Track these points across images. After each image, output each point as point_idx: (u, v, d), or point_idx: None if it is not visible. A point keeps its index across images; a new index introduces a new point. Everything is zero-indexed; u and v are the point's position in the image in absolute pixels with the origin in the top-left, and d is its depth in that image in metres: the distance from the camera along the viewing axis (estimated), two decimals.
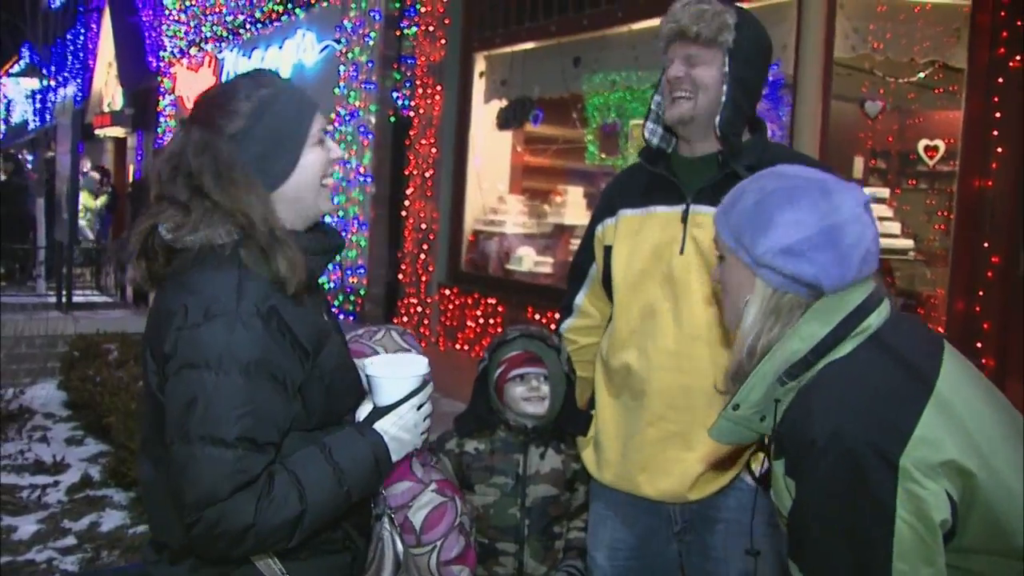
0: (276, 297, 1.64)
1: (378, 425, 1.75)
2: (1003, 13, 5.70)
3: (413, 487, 2.24)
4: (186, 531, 1.57)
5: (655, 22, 7.08)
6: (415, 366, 1.84)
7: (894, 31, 6.07)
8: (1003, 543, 1.50)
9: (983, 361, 5.70)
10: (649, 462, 2.31)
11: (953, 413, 1.49)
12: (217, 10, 16.21)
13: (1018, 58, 5.64)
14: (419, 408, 1.81)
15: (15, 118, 39.03)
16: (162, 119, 19.55)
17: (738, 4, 2.36)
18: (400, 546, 1.93)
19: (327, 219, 1.89)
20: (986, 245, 5.80)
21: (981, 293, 5.79)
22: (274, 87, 1.73)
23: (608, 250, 2.47)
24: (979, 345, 5.64)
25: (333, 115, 11.36)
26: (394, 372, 1.81)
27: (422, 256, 9.61)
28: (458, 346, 9.03)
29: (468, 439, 2.61)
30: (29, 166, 16.82)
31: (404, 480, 2.24)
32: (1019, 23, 5.62)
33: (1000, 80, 5.75)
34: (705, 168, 2.29)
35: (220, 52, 16.20)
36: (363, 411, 1.80)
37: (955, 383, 1.56)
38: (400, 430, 1.76)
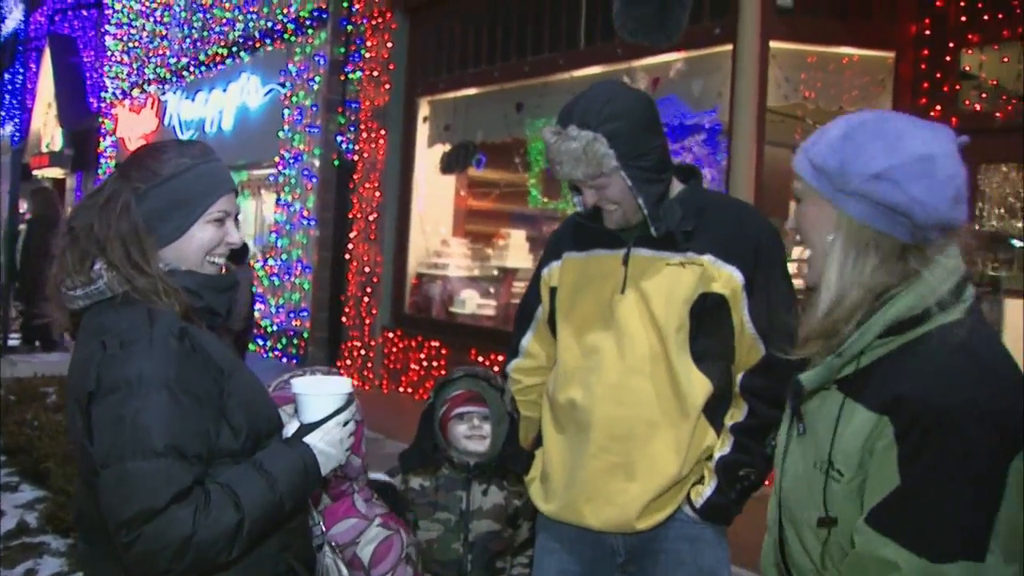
0: (184, 322, 1.73)
1: (306, 439, 1.82)
2: (923, 66, 5.98)
3: (358, 523, 2.29)
4: (124, 552, 1.59)
5: (596, 69, 7.30)
6: (339, 385, 1.92)
7: (824, 80, 6.31)
8: None
9: None
10: (594, 493, 2.38)
11: None
12: (160, 52, 16.17)
13: (938, 107, 5.91)
14: (344, 425, 1.88)
15: None
16: (102, 160, 19.35)
17: (617, 82, 2.40)
18: (345, 571, 1.97)
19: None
20: None
21: None
22: (196, 160, 1.84)
23: (553, 291, 2.56)
24: None
25: (277, 158, 11.38)
26: (319, 390, 1.88)
27: (365, 299, 9.63)
28: (401, 389, 9.03)
29: (413, 475, 2.66)
30: None
31: (349, 517, 2.29)
32: (939, 75, 5.90)
33: None
34: (641, 223, 2.39)
35: (163, 94, 16.13)
36: (290, 429, 1.85)
37: None
38: (327, 445, 1.83)
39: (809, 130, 6.70)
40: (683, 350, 2.34)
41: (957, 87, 5.90)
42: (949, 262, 1.52)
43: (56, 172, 23.81)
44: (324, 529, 2.03)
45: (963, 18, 5.79)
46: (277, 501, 1.72)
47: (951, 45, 5.87)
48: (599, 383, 2.37)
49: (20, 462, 5.98)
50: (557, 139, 2.25)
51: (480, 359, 7.78)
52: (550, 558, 2.52)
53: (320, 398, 1.86)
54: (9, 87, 28.79)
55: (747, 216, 2.44)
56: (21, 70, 27.63)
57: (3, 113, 29.02)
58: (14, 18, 28.95)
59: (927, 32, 5.98)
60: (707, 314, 2.32)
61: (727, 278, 2.31)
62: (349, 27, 10.22)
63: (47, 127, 24.02)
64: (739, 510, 2.35)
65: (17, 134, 27.47)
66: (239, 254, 9.49)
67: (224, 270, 1.91)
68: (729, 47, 6.04)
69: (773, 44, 6.07)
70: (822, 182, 1.58)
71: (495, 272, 8.72)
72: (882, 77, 6.25)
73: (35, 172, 24.57)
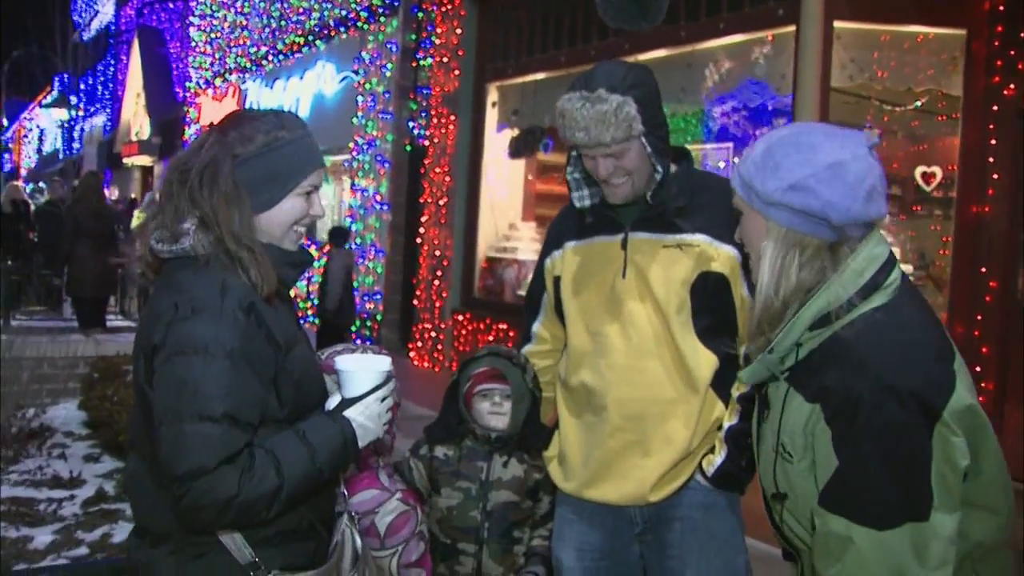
0: (255, 296, 1.82)
1: (346, 412, 1.92)
2: (997, 43, 5.83)
3: (379, 495, 2.41)
4: (175, 503, 1.72)
5: (660, 52, 7.29)
6: (380, 363, 2.02)
7: (898, 60, 6.21)
8: (995, 493, 1.68)
9: (983, 384, 5.78)
10: (611, 471, 2.46)
11: (962, 363, 1.65)
12: (241, 42, 16.59)
13: (1012, 86, 5.77)
14: (382, 401, 1.97)
15: (47, 148, 39.84)
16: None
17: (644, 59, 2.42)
18: (359, 541, 2.07)
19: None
20: (983, 270, 5.91)
21: (980, 317, 5.89)
22: (292, 133, 1.93)
23: (557, 280, 2.64)
24: (978, 369, 5.71)
25: (351, 144, 11.59)
26: (361, 367, 1.99)
27: (436, 282, 9.78)
28: None
29: (438, 445, 2.76)
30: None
31: (372, 488, 2.41)
32: (1012, 52, 5.75)
33: (995, 108, 5.88)
34: (636, 206, 2.44)
35: (244, 83, 16.56)
36: (332, 402, 1.96)
37: None
38: (366, 419, 1.92)
39: (878, 111, 6.62)
40: (686, 329, 2.40)
41: None
42: (856, 262, 1.68)
43: (145, 159, 24.62)
44: (347, 497, 2.14)
45: None
46: (316, 469, 1.82)
47: None
48: (608, 366, 2.45)
49: (102, 435, 6.27)
50: (584, 103, 2.26)
51: None
52: (570, 529, 2.60)
53: (361, 374, 1.96)
54: (101, 78, 29.82)
55: None
56: (112, 62, 28.60)
57: (97, 105, 30.07)
58: (106, 12, 29.93)
59: (1001, 8, 5.82)
60: (709, 292, 2.38)
61: (726, 257, 2.37)
62: (420, 14, 10.35)
63: (136, 116, 24.82)
64: (750, 477, 2.40)
65: (109, 123, 28.46)
66: (340, 235, 9.74)
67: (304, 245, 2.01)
68: (792, 28, 5.98)
69: (837, 24, 5.98)
70: (751, 196, 1.75)
71: None
72: (955, 55, 6.12)
73: (125, 160, 25.43)
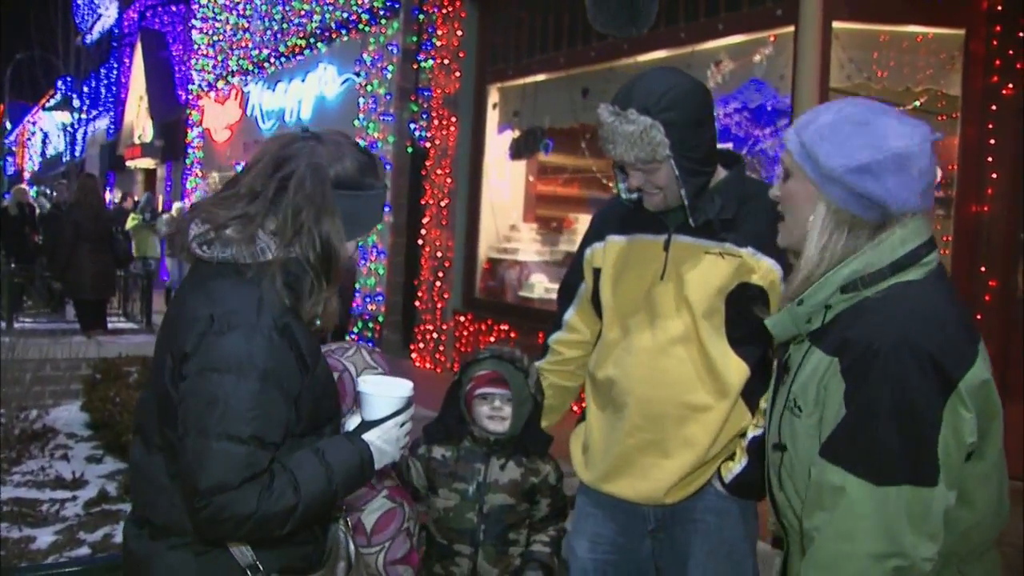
0: (289, 315, 1.83)
1: (366, 436, 1.93)
2: (995, 42, 5.84)
3: (366, 492, 2.43)
4: (194, 514, 1.73)
5: (661, 54, 7.30)
6: (402, 389, 2.04)
7: (897, 60, 6.21)
8: (992, 484, 1.69)
9: None
10: (629, 467, 2.48)
11: (985, 351, 1.67)
12: (243, 45, 16.63)
13: (1011, 86, 5.77)
14: (401, 426, 1.99)
15: (50, 151, 39.89)
16: (190, 150, 19.98)
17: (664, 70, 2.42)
18: (352, 547, 2.10)
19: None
20: (983, 269, 5.91)
21: (980, 316, 5.89)
22: (381, 183, 1.96)
23: (597, 272, 2.64)
24: None
25: None
26: (384, 392, 2.01)
27: (438, 283, 9.80)
28: None
29: (436, 446, 2.77)
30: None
31: None
32: (1011, 52, 5.76)
33: (994, 107, 5.88)
34: (683, 210, 2.45)
35: (246, 85, 16.59)
36: (351, 423, 1.99)
37: None
38: (384, 443, 1.94)
39: None
40: (717, 334, 2.40)
41: None
42: (895, 237, 1.69)
43: (148, 162, 24.66)
44: (343, 501, 2.16)
45: None
46: (332, 491, 1.84)
47: None
48: (632, 363, 2.46)
49: (104, 436, 6.32)
50: (615, 120, 2.29)
51: None
52: (586, 521, 2.64)
53: (383, 399, 1.98)
54: (104, 81, 29.87)
55: None
56: (115, 65, 28.65)
57: (100, 108, 30.12)
58: (109, 15, 29.99)
59: (999, 7, 5.82)
60: (746, 302, 2.37)
61: (766, 270, 2.38)
62: (421, 16, 10.37)
63: (139, 119, 24.86)
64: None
65: (112, 126, 28.51)
66: None
67: None
68: (791, 28, 5.99)
69: (836, 24, 5.99)
70: (809, 165, 1.73)
71: (563, 256, 8.78)
72: (953, 54, 6.13)
73: (128, 163, 25.47)
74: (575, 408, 2.97)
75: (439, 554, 2.73)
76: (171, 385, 1.79)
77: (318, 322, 1.89)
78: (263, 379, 1.73)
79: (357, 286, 11.39)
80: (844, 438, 1.64)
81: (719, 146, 2.50)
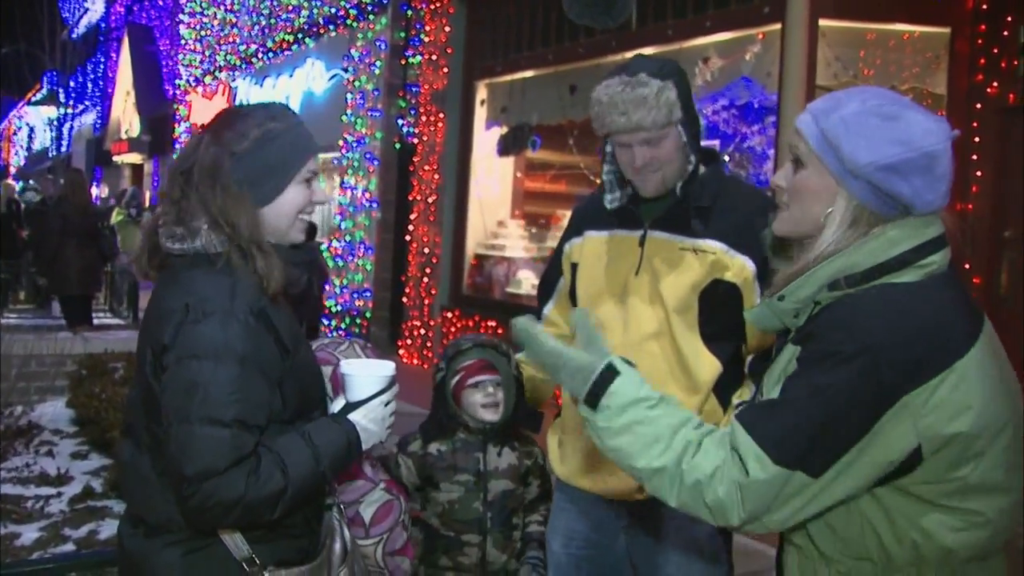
0: (264, 300, 1.85)
1: (351, 416, 1.95)
2: (980, 41, 5.88)
3: (364, 485, 2.44)
4: (182, 502, 1.74)
5: (648, 50, 7.30)
6: (384, 369, 2.05)
7: (883, 58, 6.23)
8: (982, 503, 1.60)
9: None
10: (599, 464, 2.48)
11: (974, 379, 1.54)
12: (231, 40, 16.57)
13: (995, 84, 5.81)
14: (386, 405, 2.01)
15: (36, 146, 39.69)
16: (178, 145, 19.91)
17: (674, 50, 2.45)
18: (347, 535, 2.11)
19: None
20: (967, 266, 5.95)
21: None
22: (283, 123, 1.94)
23: (575, 266, 2.66)
24: None
25: (340, 142, 11.60)
26: (367, 372, 2.02)
27: (425, 280, 9.80)
28: None
29: (431, 442, 2.79)
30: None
31: (357, 479, 2.44)
32: (995, 50, 5.80)
33: (978, 105, 5.92)
34: (662, 202, 2.46)
35: (233, 80, 16.54)
36: (336, 406, 2.00)
37: (984, 356, 1.58)
38: (369, 422, 1.96)
39: None
40: (690, 329, 2.40)
41: (1015, 63, 5.77)
42: (885, 238, 1.60)
43: (135, 157, 24.55)
44: (336, 490, 2.17)
45: None
46: (320, 472, 1.85)
47: (1009, 19, 5.74)
48: None
49: (89, 432, 6.27)
50: (624, 88, 2.27)
51: None
52: (560, 516, 2.65)
53: (366, 379, 2.00)
54: (91, 76, 29.73)
55: (760, 205, 2.49)
56: (102, 59, 28.51)
57: (87, 102, 29.98)
58: (96, 9, 29.85)
59: (984, 6, 5.86)
60: (719, 299, 2.38)
61: (739, 267, 2.37)
62: (409, 12, 10.37)
63: (126, 114, 24.75)
64: None
65: (99, 121, 28.38)
66: (308, 233, 9.63)
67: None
68: (778, 26, 6.02)
69: (823, 22, 6.02)
70: (830, 157, 1.62)
71: (551, 252, 8.77)
72: (939, 53, 6.16)
73: (115, 158, 25.35)
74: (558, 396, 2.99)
75: (445, 547, 2.75)
76: (153, 379, 1.81)
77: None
78: (241, 363, 1.75)
79: (344, 282, 11.38)
80: (764, 411, 1.61)
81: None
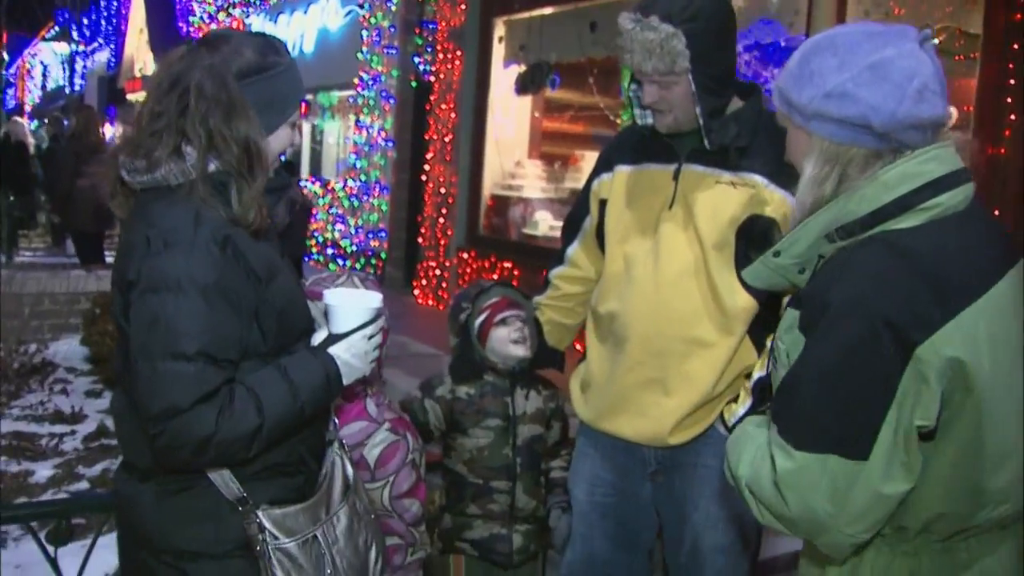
0: (231, 228, 1.74)
1: (331, 349, 1.85)
2: None
3: (367, 426, 2.36)
4: (151, 442, 1.67)
5: None
6: (370, 299, 1.94)
7: None
8: (969, 476, 1.49)
9: None
10: (628, 405, 2.40)
11: (987, 326, 1.44)
12: None
13: None
14: (370, 338, 1.91)
15: (50, 84, 39.49)
16: None
17: None
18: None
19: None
20: (997, 212, 5.79)
21: None
22: (285, 59, 1.84)
23: (603, 203, 2.55)
24: None
25: (356, 80, 11.42)
26: (350, 303, 1.92)
27: (441, 220, 9.69)
28: None
29: (460, 385, 2.72)
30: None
31: (359, 420, 2.37)
32: None
33: (1016, 46, 5.70)
34: (695, 136, 2.34)
35: (247, 17, 16.28)
36: (318, 338, 1.90)
37: (1007, 300, 1.49)
38: (351, 356, 1.86)
39: None
40: (727, 267, 2.30)
41: None
42: (879, 182, 1.51)
43: None
44: (337, 425, 2.09)
45: None
46: (298, 408, 1.77)
47: None
48: (635, 296, 2.37)
49: (103, 370, 6.27)
50: (635, 27, 2.20)
51: None
52: (584, 462, 2.58)
53: (349, 310, 1.89)
54: (104, 13, 29.41)
55: None
56: None
57: (100, 40, 29.70)
58: None
59: None
60: (756, 236, 2.27)
61: (780, 202, 2.27)
62: None
63: (140, 52, 24.50)
64: None
65: (113, 59, 28.13)
66: (289, 169, 9.50)
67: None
68: None
69: None
70: (790, 109, 1.60)
71: (568, 194, 8.67)
72: None
73: (129, 96, 25.16)
74: (578, 346, 2.91)
75: (474, 494, 2.71)
76: (122, 319, 1.73)
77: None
78: (205, 294, 1.67)
79: (359, 223, 11.30)
80: (780, 395, 1.55)
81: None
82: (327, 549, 1.89)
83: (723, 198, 2.30)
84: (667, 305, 2.34)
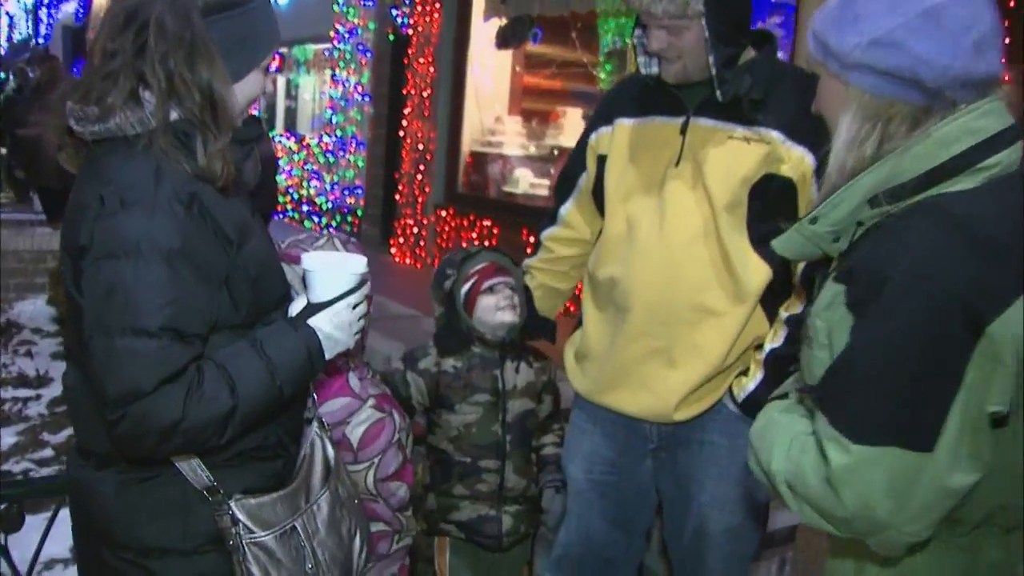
0: (196, 184, 1.54)
1: (312, 321, 1.66)
2: None
3: (350, 403, 2.17)
4: (110, 429, 1.49)
5: None
6: (354, 264, 1.74)
7: None
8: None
9: None
10: (631, 377, 2.25)
11: None
12: None
13: None
14: (354, 308, 1.71)
15: (16, 36, 38.63)
16: None
17: None
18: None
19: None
20: None
21: None
22: None
23: (602, 160, 2.38)
24: None
25: (332, 33, 11.15)
26: (332, 268, 1.71)
27: (419, 177, 9.50)
28: None
29: (446, 358, 2.55)
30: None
31: (341, 396, 2.17)
32: None
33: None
34: (704, 87, 2.17)
35: None
36: (296, 307, 1.71)
37: None
38: (334, 328, 1.67)
39: None
40: (738, 231, 2.14)
41: None
42: (931, 140, 1.35)
43: None
44: (316, 401, 1.90)
45: None
46: (276, 388, 1.59)
47: None
48: (639, 261, 2.21)
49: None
50: None
51: (532, 239, 7.64)
52: (582, 438, 2.44)
53: (332, 276, 1.69)
54: None
55: None
56: None
57: None
58: None
59: None
60: (771, 196, 2.11)
61: (797, 160, 2.10)
62: None
63: (107, 2, 23.97)
64: None
65: (80, 10, 27.47)
66: (255, 124, 9.18)
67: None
68: None
69: None
70: (826, 56, 1.44)
71: (550, 151, 8.50)
72: None
73: None
74: (570, 305, 2.75)
75: (461, 474, 2.54)
76: (74, 288, 1.52)
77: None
78: (168, 260, 1.47)
79: (335, 179, 11.07)
80: (831, 381, 1.38)
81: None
82: (307, 541, 1.73)
83: (735, 155, 2.13)
84: (675, 271, 2.18)
